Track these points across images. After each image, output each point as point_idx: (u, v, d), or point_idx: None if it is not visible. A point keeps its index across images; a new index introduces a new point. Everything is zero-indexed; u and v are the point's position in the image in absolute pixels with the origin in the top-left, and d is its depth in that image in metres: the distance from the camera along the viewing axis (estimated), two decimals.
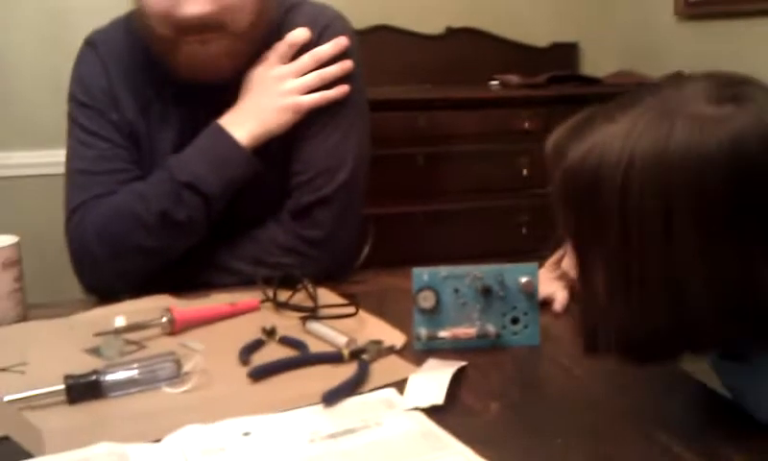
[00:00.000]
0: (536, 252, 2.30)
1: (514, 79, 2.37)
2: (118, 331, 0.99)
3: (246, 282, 1.16)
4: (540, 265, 1.16)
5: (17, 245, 1.12)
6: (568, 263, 0.81)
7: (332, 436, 0.76)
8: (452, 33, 2.52)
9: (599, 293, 0.74)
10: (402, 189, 2.10)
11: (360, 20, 2.41)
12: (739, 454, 0.72)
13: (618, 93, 2.35)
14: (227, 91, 1.20)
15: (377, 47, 2.42)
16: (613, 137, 0.70)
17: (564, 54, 2.66)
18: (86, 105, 1.25)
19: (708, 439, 0.75)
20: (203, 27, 1.09)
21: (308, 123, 1.23)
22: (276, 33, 1.23)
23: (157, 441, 0.75)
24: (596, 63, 2.64)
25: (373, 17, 2.42)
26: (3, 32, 2.13)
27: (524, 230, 2.22)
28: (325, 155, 1.23)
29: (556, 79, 2.32)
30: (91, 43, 1.29)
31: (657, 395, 0.87)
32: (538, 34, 2.61)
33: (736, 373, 0.83)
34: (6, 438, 0.74)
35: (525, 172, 2.20)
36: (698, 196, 0.67)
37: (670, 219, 0.67)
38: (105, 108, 1.24)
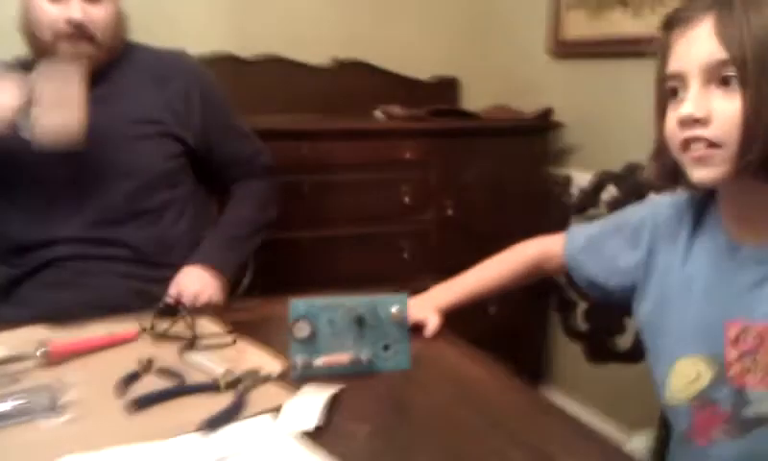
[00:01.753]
0: (417, 274, 2.38)
1: (397, 110, 2.46)
2: None
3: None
4: (413, 294, 1.23)
5: None
6: (694, 105, 0.87)
7: None
8: (340, 65, 2.58)
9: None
10: (288, 216, 2.13)
11: (249, 50, 2.44)
12: None
13: (494, 128, 2.47)
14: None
15: (266, 77, 2.45)
16: None
17: (446, 87, 2.77)
18: None
19: (556, 455, 0.83)
20: (79, 34, 1.41)
21: (218, 137, 1.61)
22: (124, 58, 1.54)
23: None
24: (475, 97, 2.77)
25: (263, 47, 2.45)
26: None
27: (406, 255, 2.31)
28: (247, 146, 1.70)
29: (437, 112, 2.43)
30: None
31: (515, 417, 0.94)
32: (421, 68, 2.72)
33: None
34: None
35: (407, 200, 2.28)
36: None
37: None
38: None
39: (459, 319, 1.25)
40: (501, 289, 1.29)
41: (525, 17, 2.67)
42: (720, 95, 0.87)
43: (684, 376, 0.99)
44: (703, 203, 1.03)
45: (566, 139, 2.52)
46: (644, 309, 1.09)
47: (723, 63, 0.86)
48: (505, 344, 2.45)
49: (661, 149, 0.97)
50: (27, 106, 1.27)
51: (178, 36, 2.15)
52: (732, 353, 0.94)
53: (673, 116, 0.91)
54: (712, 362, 0.97)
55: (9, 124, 1.27)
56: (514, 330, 2.37)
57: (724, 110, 0.87)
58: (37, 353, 1.03)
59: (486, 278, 1.28)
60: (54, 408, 0.89)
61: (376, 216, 2.29)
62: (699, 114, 0.88)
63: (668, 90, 0.93)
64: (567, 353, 2.47)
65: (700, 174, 0.90)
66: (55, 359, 1.04)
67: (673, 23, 0.92)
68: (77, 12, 1.40)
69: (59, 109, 1.28)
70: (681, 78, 0.90)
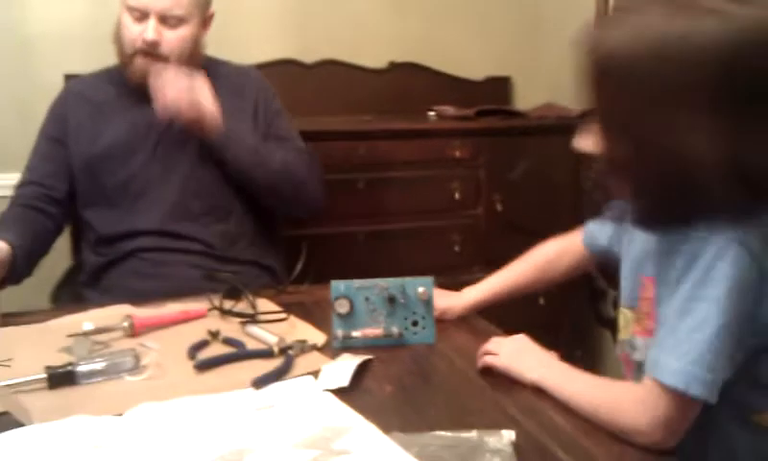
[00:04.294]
0: (467, 267, 2.50)
1: (449, 110, 2.60)
2: (87, 334, 1.20)
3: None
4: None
5: None
6: (591, 142, 0.96)
7: (258, 409, 0.97)
8: (395, 67, 2.75)
9: (620, 165, 0.91)
10: (344, 211, 2.30)
11: (308, 55, 2.64)
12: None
13: (539, 126, 2.59)
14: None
15: (325, 80, 2.64)
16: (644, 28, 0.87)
17: (499, 87, 2.90)
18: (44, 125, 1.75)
19: (542, 413, 0.98)
20: (153, 53, 1.61)
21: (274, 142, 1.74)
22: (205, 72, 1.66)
23: (120, 415, 0.96)
24: (527, 96, 2.88)
25: (321, 52, 2.64)
26: None
27: (457, 249, 2.46)
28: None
29: (484, 112, 2.56)
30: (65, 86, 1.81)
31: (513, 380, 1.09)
32: (474, 68, 2.86)
33: None
34: (5, 413, 0.96)
35: (457, 196, 2.43)
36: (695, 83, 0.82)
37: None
38: (51, 127, 1.72)
39: (511, 309, 1.36)
40: (526, 285, 1.38)
41: (574, 17, 2.78)
42: None
43: (621, 326, 1.10)
44: None
45: None
46: None
47: None
48: (553, 334, 2.59)
49: None
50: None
51: (246, 45, 2.37)
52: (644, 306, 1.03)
53: None
54: (633, 313, 1.06)
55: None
56: (560, 319, 2.49)
57: None
58: (124, 325, 1.24)
59: (511, 276, 1.39)
60: (136, 368, 1.10)
61: (428, 211, 2.44)
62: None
63: None
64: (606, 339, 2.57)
65: None
66: (138, 331, 1.25)
67: None
68: (151, 33, 1.59)
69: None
70: None
